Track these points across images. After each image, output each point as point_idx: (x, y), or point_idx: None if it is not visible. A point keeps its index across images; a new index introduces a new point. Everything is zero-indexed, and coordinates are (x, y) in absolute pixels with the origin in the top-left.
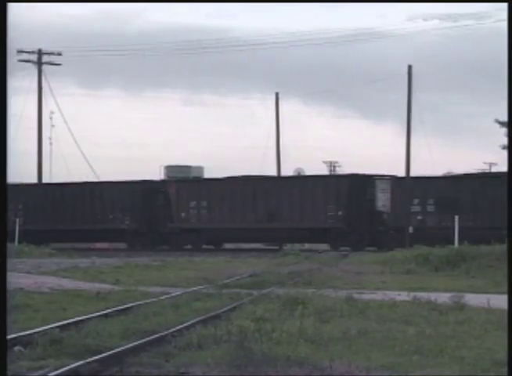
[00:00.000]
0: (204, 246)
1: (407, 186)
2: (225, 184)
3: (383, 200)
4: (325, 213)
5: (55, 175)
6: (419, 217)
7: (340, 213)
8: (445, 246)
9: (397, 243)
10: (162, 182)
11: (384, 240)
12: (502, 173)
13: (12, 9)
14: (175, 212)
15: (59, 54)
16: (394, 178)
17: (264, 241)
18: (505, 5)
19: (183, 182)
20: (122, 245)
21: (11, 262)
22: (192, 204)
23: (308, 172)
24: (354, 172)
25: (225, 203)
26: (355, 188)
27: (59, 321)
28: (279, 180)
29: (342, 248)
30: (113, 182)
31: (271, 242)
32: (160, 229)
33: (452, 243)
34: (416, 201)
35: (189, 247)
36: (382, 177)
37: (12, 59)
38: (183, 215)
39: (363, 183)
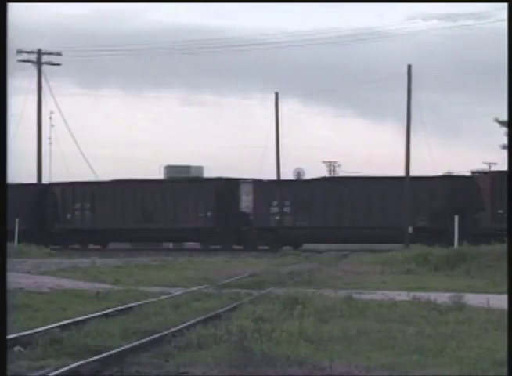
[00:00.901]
0: (92, 246)
1: (267, 189)
2: (106, 186)
3: (246, 201)
4: (196, 214)
5: (54, 174)
6: (277, 217)
7: (209, 214)
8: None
9: (262, 241)
10: (50, 184)
11: (249, 239)
12: (348, 177)
13: (12, 8)
14: (62, 213)
15: (59, 54)
16: (256, 182)
17: (142, 241)
18: (504, 5)
19: (68, 185)
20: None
21: (10, 262)
22: (77, 205)
23: (308, 172)
24: (221, 176)
25: (107, 204)
26: (222, 190)
27: (59, 321)
28: (155, 183)
29: (212, 247)
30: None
31: (149, 242)
32: (48, 230)
33: (301, 242)
34: (274, 203)
35: (76, 246)
36: (245, 180)
37: (11, 59)
38: (69, 216)
39: (229, 186)
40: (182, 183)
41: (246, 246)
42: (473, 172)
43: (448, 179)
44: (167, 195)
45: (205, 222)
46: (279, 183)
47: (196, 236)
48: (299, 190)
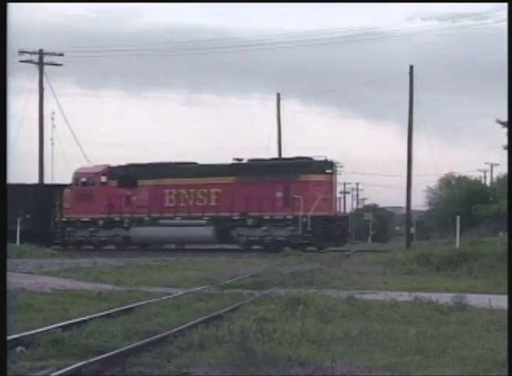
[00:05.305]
0: None
1: None
2: None
3: None
4: None
5: (56, 175)
6: None
7: None
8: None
9: None
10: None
11: None
12: None
13: (13, 9)
14: None
15: (61, 54)
16: None
17: None
18: (505, 5)
19: None
20: None
21: (12, 263)
22: None
23: None
24: None
25: None
26: None
27: (61, 321)
28: None
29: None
30: None
31: None
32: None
33: None
34: None
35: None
36: None
37: (13, 59)
38: None
39: None
40: None
41: None
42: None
43: None
44: None
45: None
46: None
47: None
48: None
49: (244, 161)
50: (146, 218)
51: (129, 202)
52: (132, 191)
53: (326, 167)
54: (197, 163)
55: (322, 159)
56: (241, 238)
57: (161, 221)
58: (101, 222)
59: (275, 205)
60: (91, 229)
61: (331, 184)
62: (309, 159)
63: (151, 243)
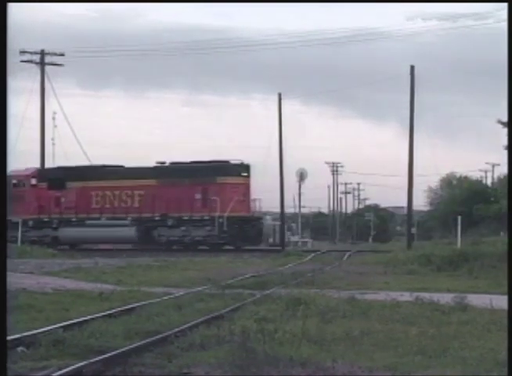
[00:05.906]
0: None
1: None
2: None
3: None
4: None
5: None
6: None
7: None
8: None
9: None
10: None
11: None
12: None
13: (13, 9)
14: None
15: (62, 54)
16: None
17: None
18: (505, 5)
19: None
20: None
21: (13, 263)
22: None
23: (311, 173)
24: None
25: None
26: None
27: (62, 321)
28: None
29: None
30: None
31: None
32: None
33: None
34: None
35: None
36: None
37: (14, 59)
38: None
39: None
40: None
41: None
42: None
43: None
44: None
45: None
46: None
47: None
48: None
49: (166, 164)
50: (74, 219)
51: (58, 203)
52: (61, 193)
53: (242, 170)
54: (123, 166)
55: (238, 162)
56: (162, 238)
57: (88, 221)
58: (31, 223)
59: (194, 206)
60: (21, 229)
61: (247, 186)
62: (226, 162)
63: (79, 243)
